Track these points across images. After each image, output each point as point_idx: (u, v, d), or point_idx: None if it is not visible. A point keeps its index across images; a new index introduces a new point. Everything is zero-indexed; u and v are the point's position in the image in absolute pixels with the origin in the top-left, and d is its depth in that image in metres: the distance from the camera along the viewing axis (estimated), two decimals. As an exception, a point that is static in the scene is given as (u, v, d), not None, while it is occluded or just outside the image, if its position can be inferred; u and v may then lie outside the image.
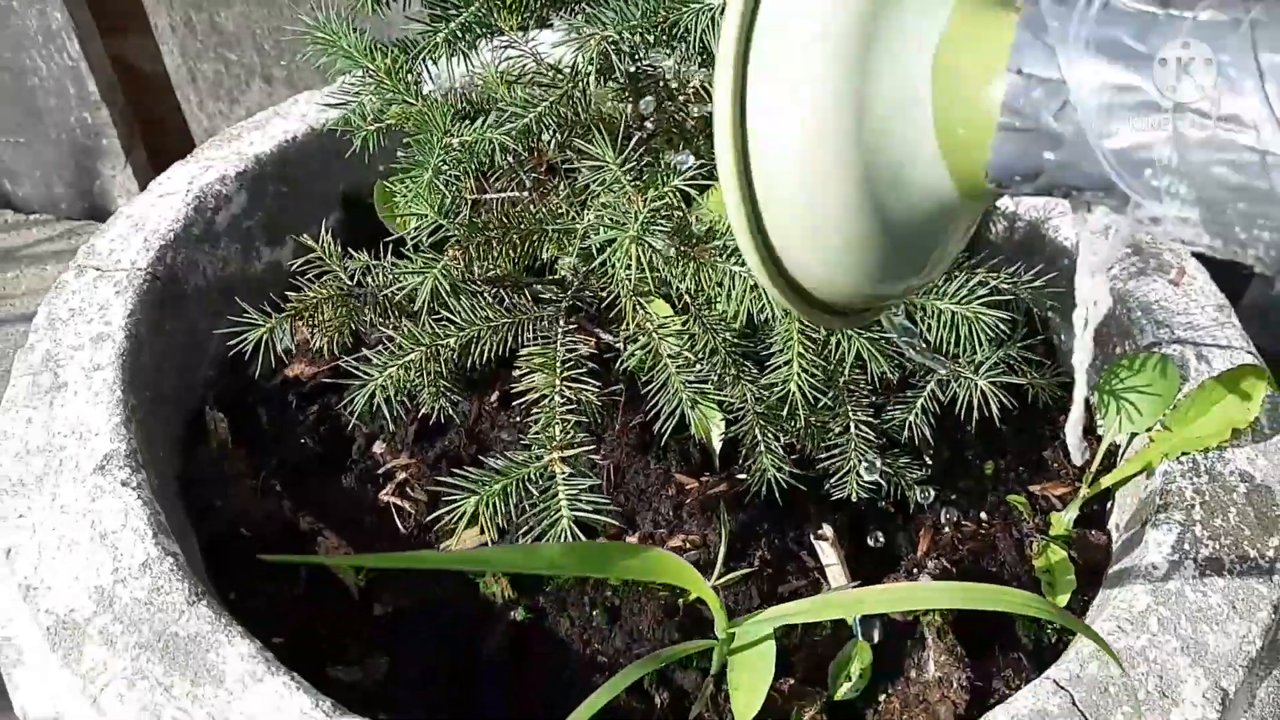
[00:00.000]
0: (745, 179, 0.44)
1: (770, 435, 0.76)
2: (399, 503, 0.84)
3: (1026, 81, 0.39)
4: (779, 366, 0.74)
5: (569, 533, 0.67)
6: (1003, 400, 0.77)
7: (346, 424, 0.88)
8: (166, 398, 0.87)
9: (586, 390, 0.73)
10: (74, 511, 0.73)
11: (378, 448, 0.87)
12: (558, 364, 0.74)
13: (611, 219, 0.69)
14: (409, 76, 0.78)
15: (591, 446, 0.71)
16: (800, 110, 0.42)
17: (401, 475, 0.85)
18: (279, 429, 0.89)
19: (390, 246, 0.80)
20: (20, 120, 1.44)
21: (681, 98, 0.84)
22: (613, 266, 0.69)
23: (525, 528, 0.69)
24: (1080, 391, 0.51)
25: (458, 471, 0.70)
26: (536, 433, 0.71)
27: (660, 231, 0.67)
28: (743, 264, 0.68)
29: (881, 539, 0.83)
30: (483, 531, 0.74)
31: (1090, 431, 0.91)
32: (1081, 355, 0.50)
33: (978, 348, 0.74)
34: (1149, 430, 0.82)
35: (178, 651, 0.67)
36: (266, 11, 1.30)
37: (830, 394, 0.77)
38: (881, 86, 0.41)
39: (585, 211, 0.75)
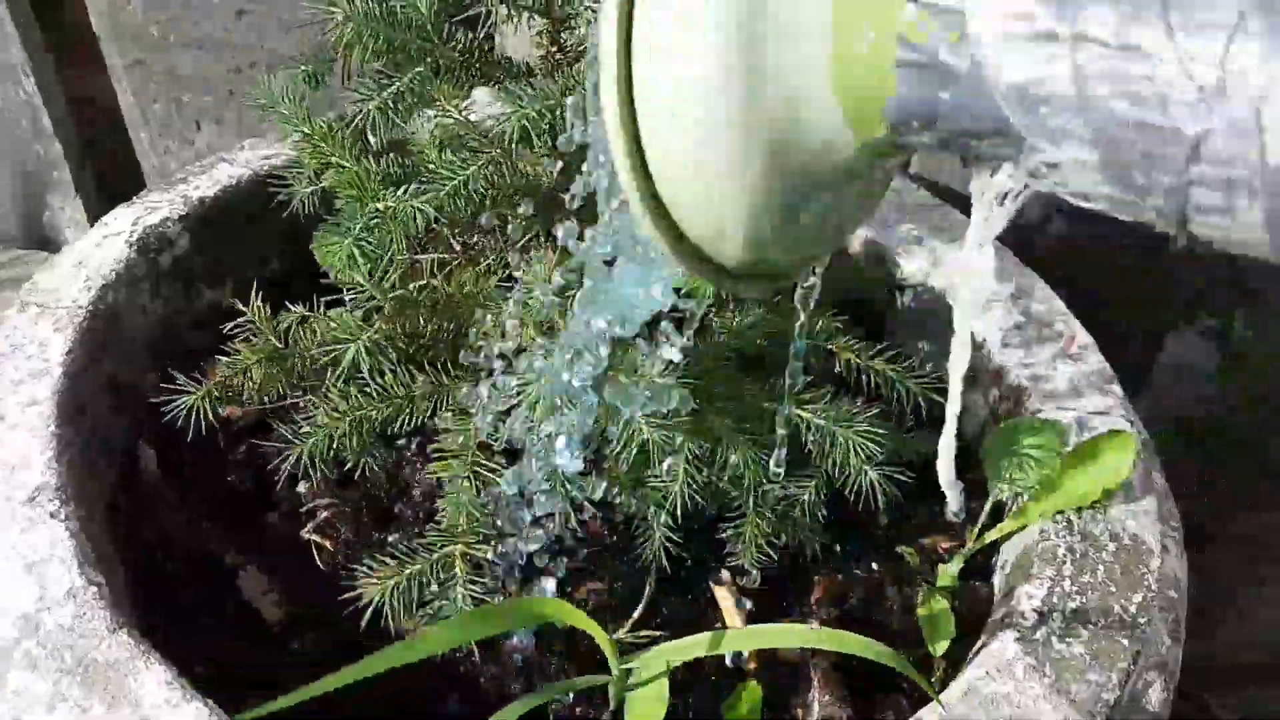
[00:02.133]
0: (631, 121, 0.42)
1: (661, 517, 0.81)
2: (320, 540, 0.87)
3: (925, 11, 0.37)
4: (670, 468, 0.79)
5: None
6: (888, 490, 0.83)
7: (272, 464, 0.92)
8: (101, 432, 0.91)
9: (496, 477, 0.78)
10: (3, 543, 0.76)
11: (301, 487, 0.91)
12: (470, 446, 0.78)
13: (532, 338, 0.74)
14: (345, 140, 0.83)
15: (488, 542, 0.76)
16: (688, 43, 0.40)
17: (323, 515, 0.89)
18: (209, 466, 0.92)
19: (325, 302, 0.84)
20: (-27, 151, 1.47)
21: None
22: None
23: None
24: (953, 410, 0.51)
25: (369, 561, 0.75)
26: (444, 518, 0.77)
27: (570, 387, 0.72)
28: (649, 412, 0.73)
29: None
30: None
31: (983, 491, 0.97)
32: (959, 353, 0.51)
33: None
34: (1030, 490, 0.88)
35: (98, 676, 0.70)
36: (218, 57, 1.35)
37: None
38: (774, 20, 0.39)
39: (509, 303, 0.80)
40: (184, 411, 0.80)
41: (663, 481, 0.79)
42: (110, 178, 1.51)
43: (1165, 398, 1.49)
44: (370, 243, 0.76)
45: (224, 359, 0.81)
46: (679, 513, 0.79)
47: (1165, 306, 1.44)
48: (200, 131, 1.44)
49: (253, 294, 0.84)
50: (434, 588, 0.75)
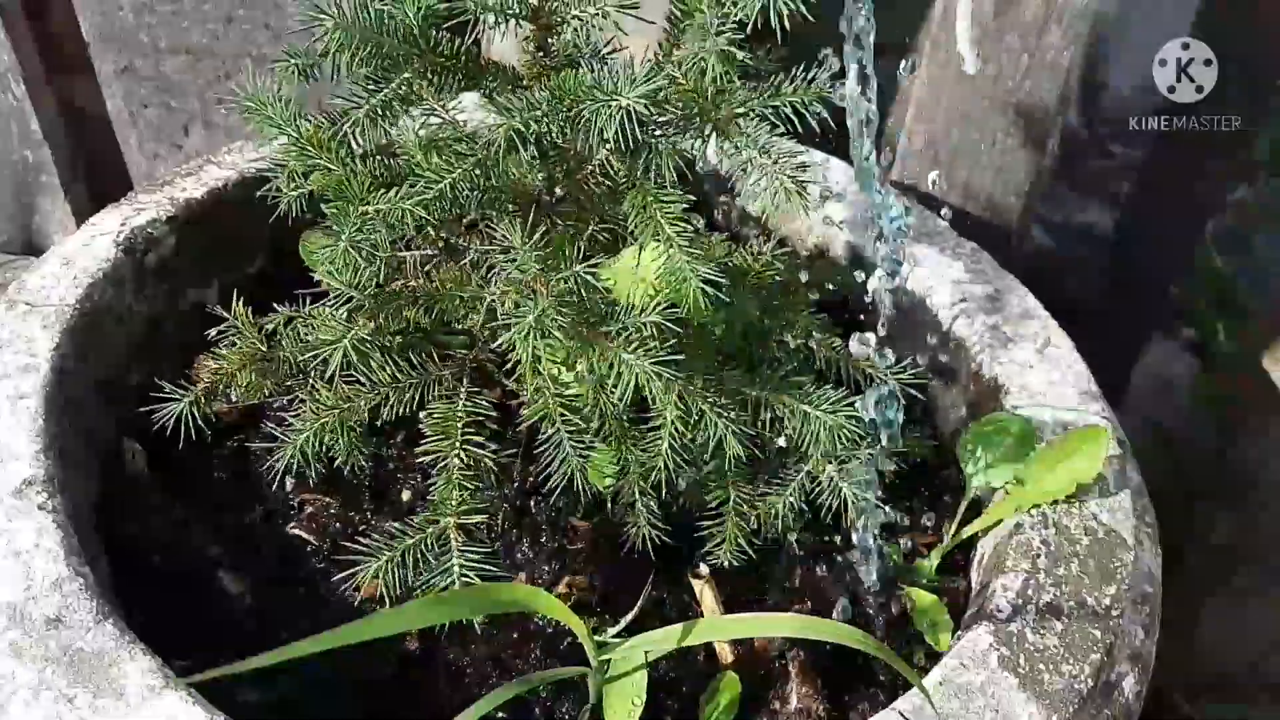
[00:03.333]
0: None
1: (647, 495, 0.82)
2: (305, 535, 0.88)
3: None
4: (657, 440, 0.80)
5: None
6: (865, 503, 0.84)
7: (259, 459, 0.93)
8: (88, 426, 0.91)
9: (485, 454, 0.79)
10: (-9, 532, 0.77)
11: (289, 483, 0.92)
12: (458, 427, 0.79)
13: (514, 303, 0.75)
14: (332, 144, 0.84)
15: (483, 515, 0.77)
16: None
17: (309, 509, 0.90)
18: (195, 462, 0.93)
19: (309, 298, 0.85)
20: (-39, 156, 1.47)
21: (587, 169, 0.90)
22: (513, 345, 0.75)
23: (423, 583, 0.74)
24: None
25: (360, 540, 0.75)
26: (435, 494, 0.77)
27: (559, 321, 0.73)
28: (635, 352, 0.74)
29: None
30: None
31: (956, 487, 0.98)
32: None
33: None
34: (1006, 485, 0.90)
35: (82, 665, 0.71)
36: (208, 63, 1.36)
37: (707, 468, 0.84)
38: None
39: (491, 284, 0.80)
40: (172, 417, 0.81)
41: (649, 442, 0.80)
42: (99, 182, 1.52)
43: (1144, 409, 1.51)
44: (361, 245, 0.77)
45: (209, 363, 0.81)
46: (663, 485, 0.80)
47: (1144, 319, 1.46)
48: (189, 136, 1.45)
49: (234, 296, 0.85)
50: (429, 564, 0.75)
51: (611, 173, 0.88)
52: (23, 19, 1.37)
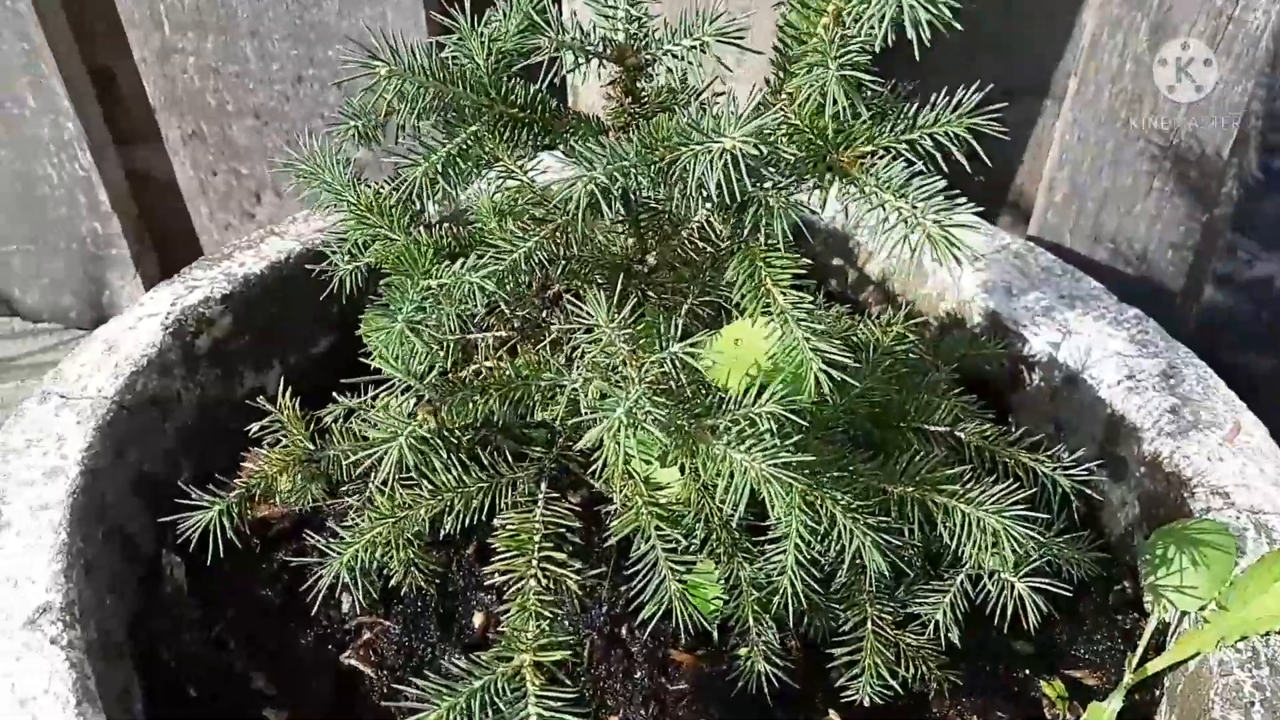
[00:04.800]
0: None
1: (764, 623, 0.68)
2: (362, 667, 0.76)
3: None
4: (778, 554, 0.66)
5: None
6: (1040, 605, 0.69)
7: (313, 574, 0.81)
8: (122, 535, 0.81)
9: (567, 574, 0.66)
10: (-6, 672, 0.66)
11: (345, 602, 0.80)
12: (535, 541, 0.66)
13: (601, 392, 0.62)
14: (394, 211, 0.73)
15: (565, 650, 0.63)
16: None
17: (367, 635, 0.77)
18: (240, 575, 0.82)
19: (370, 387, 0.74)
20: (30, 229, 1.41)
21: (684, 232, 0.78)
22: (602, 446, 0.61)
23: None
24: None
25: (419, 682, 0.62)
26: (507, 624, 0.64)
27: (653, 414, 0.59)
28: (744, 449, 0.60)
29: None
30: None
31: (1136, 607, 0.82)
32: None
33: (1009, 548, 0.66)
34: (1203, 609, 0.73)
35: (85, 846, 0.59)
36: (276, 126, 1.27)
37: (844, 580, 0.70)
38: None
39: (572, 367, 0.68)
40: (199, 530, 0.69)
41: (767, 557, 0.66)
42: (171, 254, 1.44)
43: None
44: (421, 325, 0.65)
45: (246, 465, 0.70)
46: (788, 609, 0.66)
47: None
48: (261, 204, 1.36)
49: (280, 388, 0.73)
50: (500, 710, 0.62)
51: (713, 235, 0.75)
52: (87, 84, 1.30)
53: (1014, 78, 1.20)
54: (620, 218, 0.76)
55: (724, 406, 0.62)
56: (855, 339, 0.79)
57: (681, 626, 0.74)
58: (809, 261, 0.67)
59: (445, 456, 0.69)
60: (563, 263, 0.74)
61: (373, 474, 0.70)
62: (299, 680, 0.76)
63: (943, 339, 0.98)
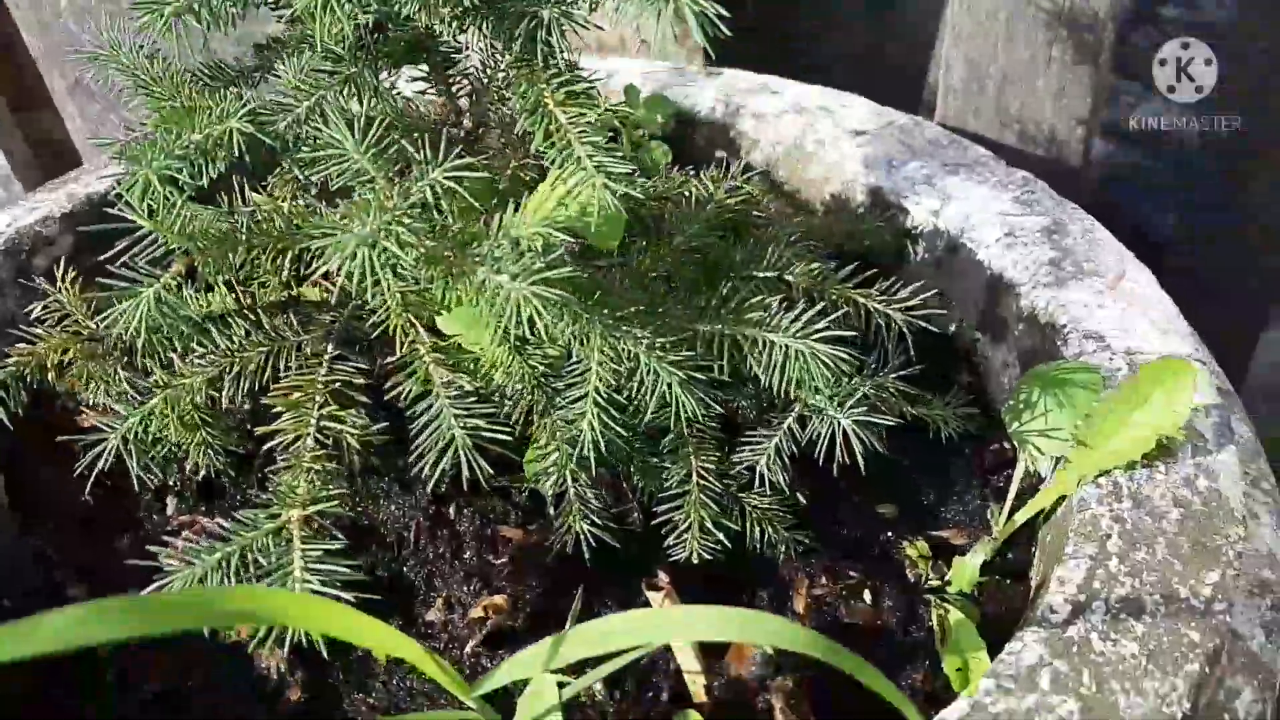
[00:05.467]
0: None
1: (581, 483, 0.63)
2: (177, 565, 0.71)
3: None
4: (576, 401, 0.61)
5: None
6: (868, 442, 0.63)
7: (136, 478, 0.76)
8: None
9: (346, 429, 0.61)
10: None
11: (170, 506, 0.75)
12: (316, 400, 0.62)
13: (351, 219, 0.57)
14: (175, 77, 0.69)
15: (337, 499, 0.59)
16: None
17: (186, 534, 0.73)
18: (61, 484, 0.78)
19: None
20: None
21: (494, 87, 0.73)
22: (349, 278, 0.56)
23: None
24: None
25: (180, 542, 0.58)
26: (281, 481, 0.59)
27: (401, 233, 0.54)
28: (503, 271, 0.55)
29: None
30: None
31: (1012, 465, 0.76)
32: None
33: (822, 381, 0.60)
34: (1063, 445, 0.67)
35: None
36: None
37: (668, 437, 0.65)
38: None
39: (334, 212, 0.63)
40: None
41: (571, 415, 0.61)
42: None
43: (1272, 396, 1.25)
44: (177, 169, 0.60)
45: (20, 344, 0.66)
46: (592, 462, 0.61)
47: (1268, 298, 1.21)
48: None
49: (59, 267, 0.69)
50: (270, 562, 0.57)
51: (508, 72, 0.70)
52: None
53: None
54: (425, 76, 0.72)
55: (490, 233, 0.57)
56: (686, 194, 0.74)
57: (512, 504, 0.70)
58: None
59: (226, 327, 0.65)
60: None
61: (150, 344, 0.66)
62: (114, 587, 0.72)
63: (827, 215, 0.93)
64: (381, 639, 0.46)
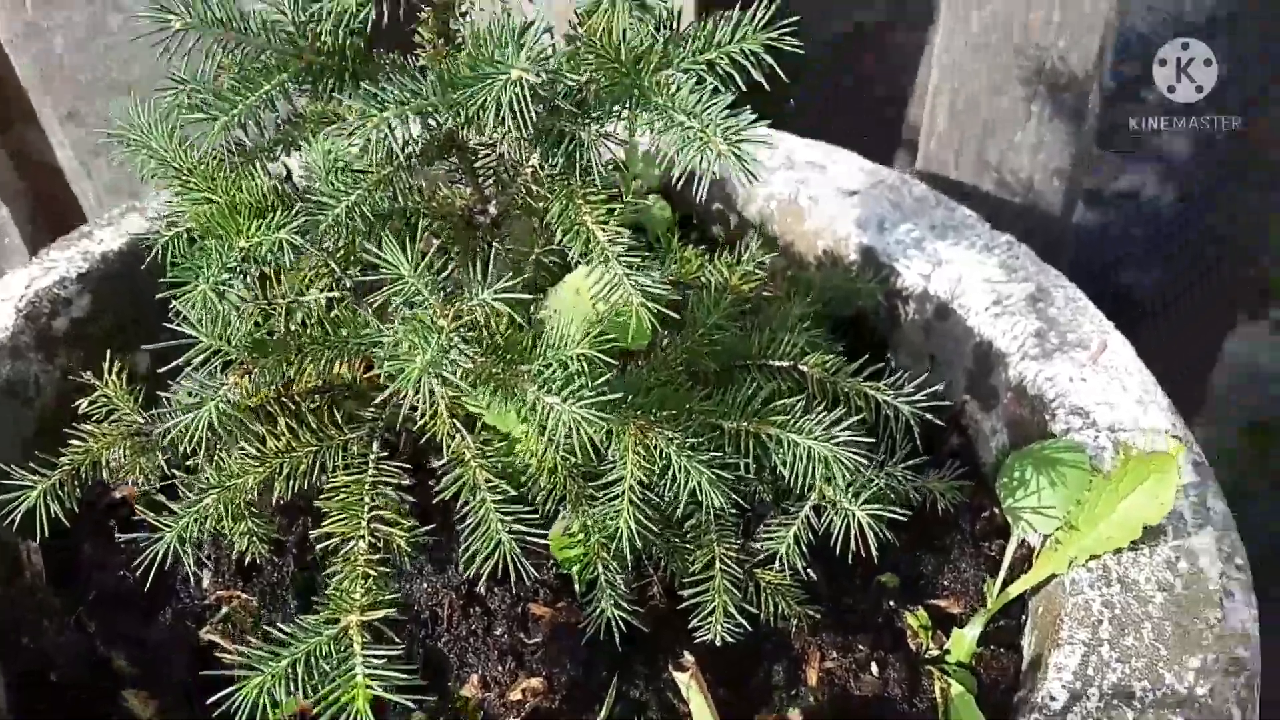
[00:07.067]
0: None
1: (612, 569, 0.67)
2: (220, 641, 0.75)
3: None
4: (612, 498, 0.65)
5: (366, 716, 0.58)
6: (880, 533, 0.68)
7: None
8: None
9: (397, 533, 0.65)
10: None
11: (205, 579, 0.79)
12: (365, 503, 0.65)
13: (408, 340, 0.60)
14: (217, 174, 0.71)
15: (395, 605, 0.62)
16: None
17: (225, 609, 0.76)
18: (99, 558, 0.80)
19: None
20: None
21: (520, 179, 0.76)
22: (404, 394, 0.60)
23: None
24: None
25: (243, 649, 0.61)
26: (335, 585, 0.63)
27: (459, 361, 0.58)
28: (554, 393, 0.59)
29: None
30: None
31: (1004, 535, 0.81)
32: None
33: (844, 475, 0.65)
34: (1056, 530, 0.73)
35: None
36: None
37: (691, 523, 0.69)
38: None
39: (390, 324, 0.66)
40: (20, 512, 0.67)
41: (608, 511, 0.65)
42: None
43: (1231, 403, 1.32)
44: (228, 285, 0.63)
45: (74, 443, 0.68)
46: (625, 554, 0.66)
47: (1220, 304, 1.27)
48: (150, 185, 1.34)
49: (107, 363, 0.72)
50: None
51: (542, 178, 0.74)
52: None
53: (894, 13, 1.19)
54: (454, 167, 0.74)
55: (538, 352, 0.61)
56: (702, 279, 0.78)
57: (539, 581, 0.74)
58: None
59: (271, 423, 0.68)
60: (389, 218, 0.72)
61: (202, 445, 0.69)
62: (158, 659, 0.75)
63: (819, 275, 0.98)
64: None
